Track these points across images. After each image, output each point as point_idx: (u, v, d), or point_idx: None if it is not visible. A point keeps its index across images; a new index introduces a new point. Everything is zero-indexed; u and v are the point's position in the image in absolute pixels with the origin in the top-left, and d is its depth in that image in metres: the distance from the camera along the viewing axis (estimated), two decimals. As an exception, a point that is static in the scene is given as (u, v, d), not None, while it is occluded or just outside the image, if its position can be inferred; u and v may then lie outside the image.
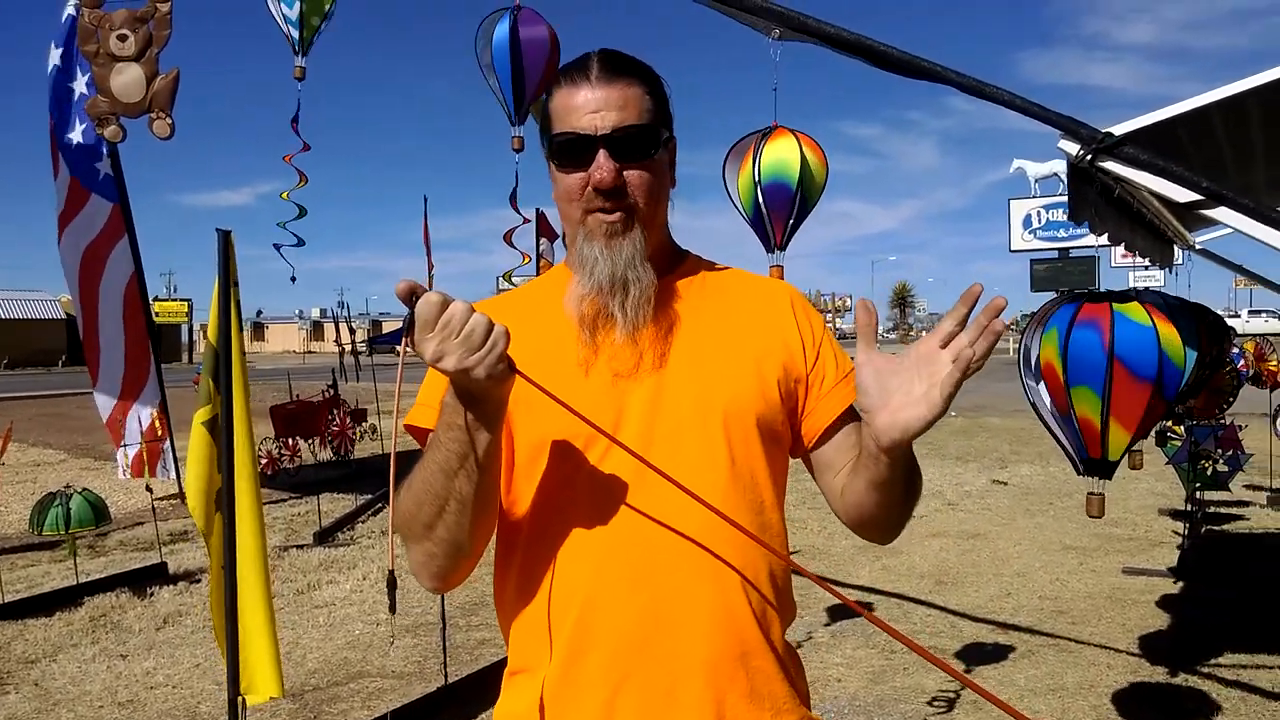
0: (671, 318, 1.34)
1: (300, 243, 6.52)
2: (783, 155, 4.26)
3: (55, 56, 7.44)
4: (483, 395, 1.14)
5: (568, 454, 1.28)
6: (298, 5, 5.70)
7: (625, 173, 1.29)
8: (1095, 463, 3.07)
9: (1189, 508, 7.08)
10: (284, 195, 6.37)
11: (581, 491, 1.28)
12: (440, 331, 1.08)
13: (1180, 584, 6.08)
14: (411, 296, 1.09)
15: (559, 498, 1.29)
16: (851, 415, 1.41)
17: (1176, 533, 7.37)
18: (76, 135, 7.30)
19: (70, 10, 7.51)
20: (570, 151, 1.30)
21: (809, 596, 5.65)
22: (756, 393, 1.32)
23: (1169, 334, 2.87)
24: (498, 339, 1.10)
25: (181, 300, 42.60)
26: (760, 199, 4.31)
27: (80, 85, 7.26)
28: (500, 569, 1.38)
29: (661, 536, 1.25)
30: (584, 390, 1.27)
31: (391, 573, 1.21)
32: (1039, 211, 21.79)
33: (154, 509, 6.96)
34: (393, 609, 1.19)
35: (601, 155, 1.27)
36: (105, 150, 7.39)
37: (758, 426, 1.31)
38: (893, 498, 1.27)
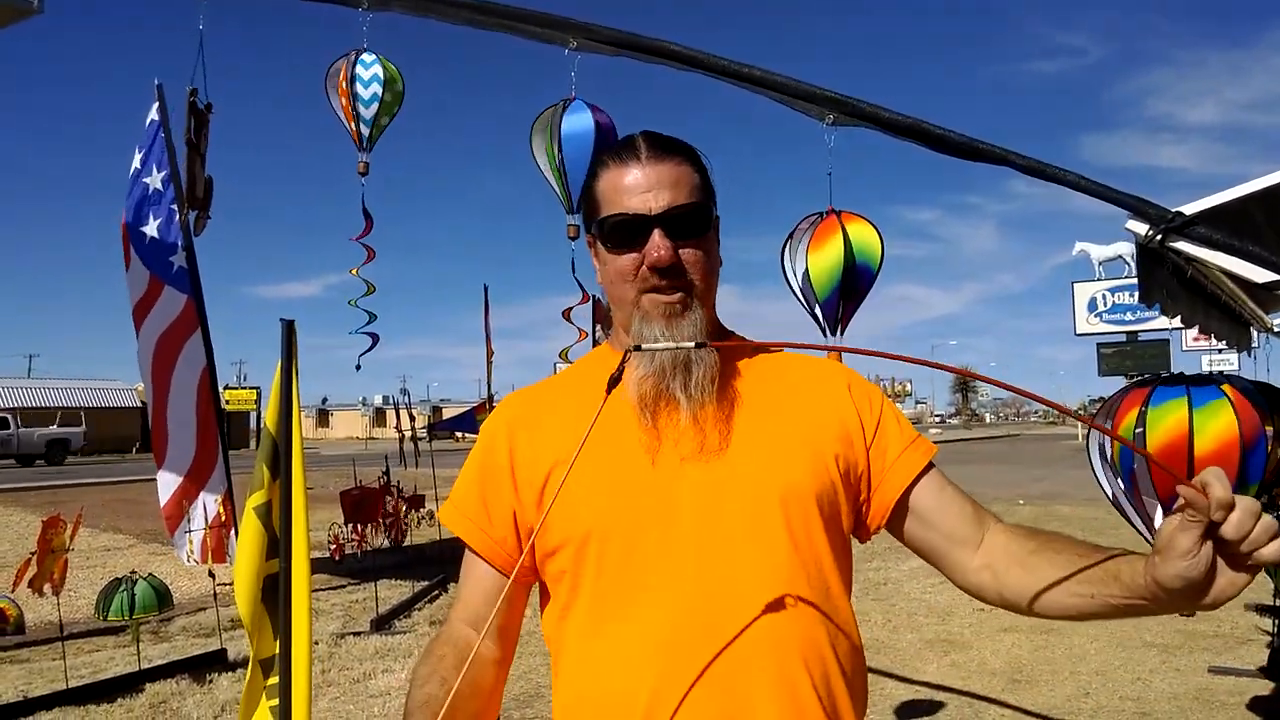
0: (732, 397, 1.31)
1: (375, 340, 6.74)
2: (844, 244, 4.26)
3: (137, 160, 7.82)
4: None
5: (617, 549, 1.24)
6: (375, 105, 5.95)
7: (680, 251, 1.28)
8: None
9: (1277, 602, 6.71)
10: (352, 303, 6.60)
11: (635, 587, 1.23)
12: None
13: (1272, 685, 5.73)
14: None
15: (610, 593, 1.24)
16: (939, 476, 1.35)
17: (1265, 630, 6.97)
18: (151, 229, 7.61)
19: (154, 116, 7.92)
20: (623, 232, 1.28)
21: (874, 693, 5.43)
22: (815, 473, 1.27)
23: (1250, 419, 2.76)
24: None
25: (251, 388, 43.71)
26: (818, 285, 4.30)
27: (155, 181, 7.60)
28: (555, 666, 1.33)
29: (722, 635, 1.19)
30: (641, 474, 1.24)
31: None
32: (1104, 294, 21.44)
33: (216, 595, 7.00)
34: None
35: (657, 235, 1.26)
36: (180, 245, 7.70)
37: (819, 508, 1.26)
38: (1125, 612, 1.15)
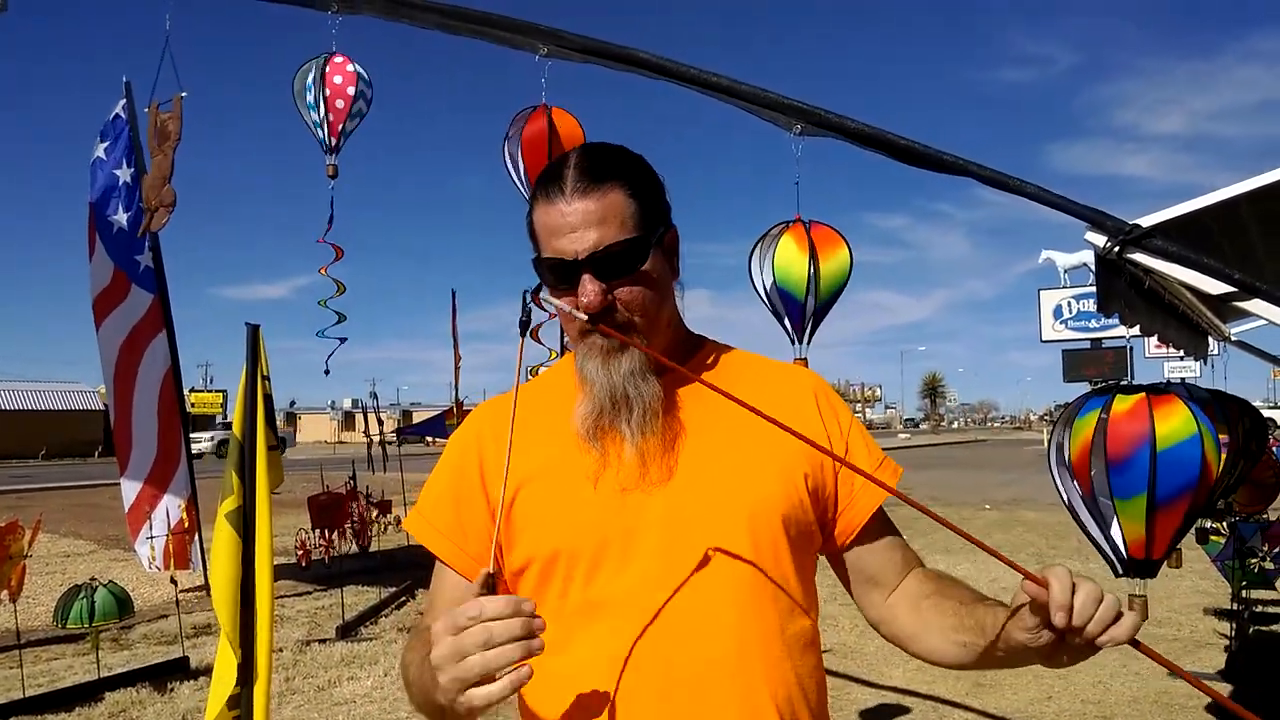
0: (684, 419, 1.28)
1: (342, 341, 6.68)
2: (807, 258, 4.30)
3: (100, 149, 7.72)
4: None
5: (583, 569, 1.23)
6: (343, 109, 5.91)
7: (615, 291, 1.23)
8: (1137, 563, 2.97)
9: (1235, 607, 6.82)
10: (322, 303, 6.54)
11: (600, 607, 1.22)
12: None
13: (1230, 688, 5.82)
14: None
15: (575, 613, 1.24)
16: (883, 516, 1.36)
17: (1223, 634, 7.10)
18: (120, 220, 7.50)
19: (119, 110, 7.82)
20: (556, 275, 1.24)
21: (840, 698, 5.46)
22: (782, 491, 1.26)
23: (1128, 430, 2.83)
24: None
25: (217, 391, 43.32)
26: (781, 295, 4.33)
27: (124, 175, 7.50)
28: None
29: (686, 653, 1.19)
30: (609, 494, 1.23)
31: None
32: (1069, 302, 21.78)
33: (178, 601, 6.91)
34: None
35: (586, 279, 1.21)
36: (147, 244, 7.60)
37: (785, 527, 1.25)
38: (996, 664, 1.22)
